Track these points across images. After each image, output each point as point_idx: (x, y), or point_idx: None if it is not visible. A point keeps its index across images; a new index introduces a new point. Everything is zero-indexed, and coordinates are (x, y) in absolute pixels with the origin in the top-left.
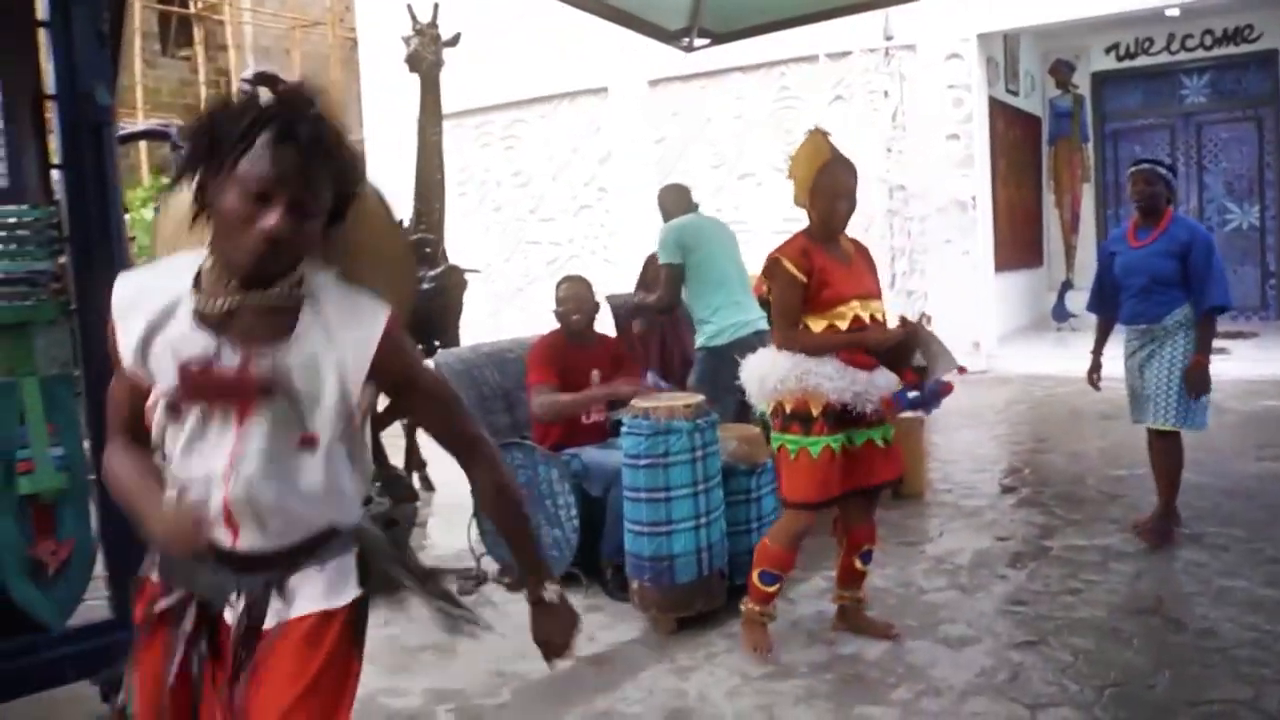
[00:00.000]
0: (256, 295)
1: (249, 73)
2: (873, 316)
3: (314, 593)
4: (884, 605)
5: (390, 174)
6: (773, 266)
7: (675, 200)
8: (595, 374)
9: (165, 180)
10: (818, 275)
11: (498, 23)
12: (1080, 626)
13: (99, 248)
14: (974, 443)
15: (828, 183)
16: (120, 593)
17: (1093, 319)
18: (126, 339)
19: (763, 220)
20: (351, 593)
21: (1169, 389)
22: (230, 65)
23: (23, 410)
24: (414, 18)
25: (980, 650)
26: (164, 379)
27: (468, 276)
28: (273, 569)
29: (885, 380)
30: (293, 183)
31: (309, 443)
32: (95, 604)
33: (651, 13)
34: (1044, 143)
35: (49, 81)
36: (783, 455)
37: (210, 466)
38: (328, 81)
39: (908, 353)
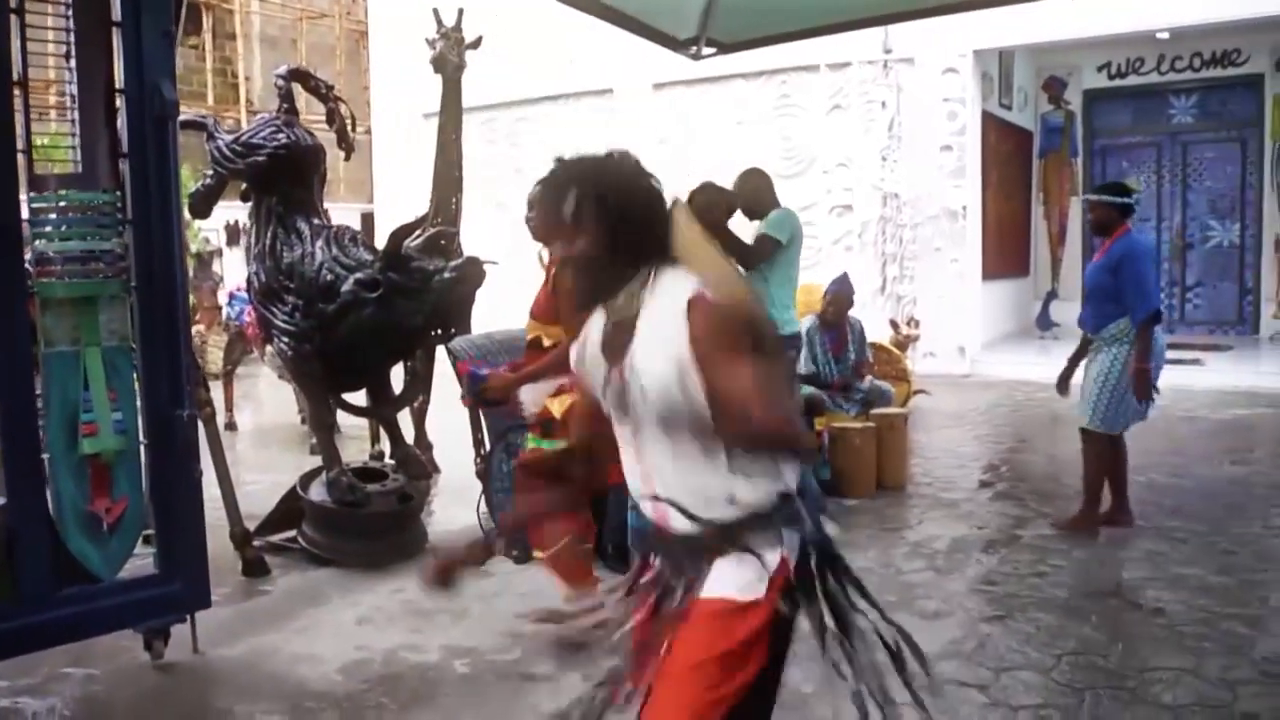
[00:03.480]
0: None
1: (283, 69)
2: None
3: (724, 579)
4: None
5: (397, 164)
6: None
7: (769, 189)
8: None
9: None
10: None
11: (506, 22)
12: (1044, 604)
13: (159, 231)
14: (956, 441)
15: None
16: (165, 549)
17: (1075, 328)
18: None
19: None
20: (754, 591)
21: (1099, 393)
22: (237, 54)
23: (86, 377)
24: (439, 21)
25: (952, 622)
26: (595, 389)
27: (486, 268)
28: (693, 552)
29: None
30: None
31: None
32: (142, 560)
33: (661, 21)
34: (1035, 156)
35: (119, 77)
36: None
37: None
38: (333, 73)
39: None
